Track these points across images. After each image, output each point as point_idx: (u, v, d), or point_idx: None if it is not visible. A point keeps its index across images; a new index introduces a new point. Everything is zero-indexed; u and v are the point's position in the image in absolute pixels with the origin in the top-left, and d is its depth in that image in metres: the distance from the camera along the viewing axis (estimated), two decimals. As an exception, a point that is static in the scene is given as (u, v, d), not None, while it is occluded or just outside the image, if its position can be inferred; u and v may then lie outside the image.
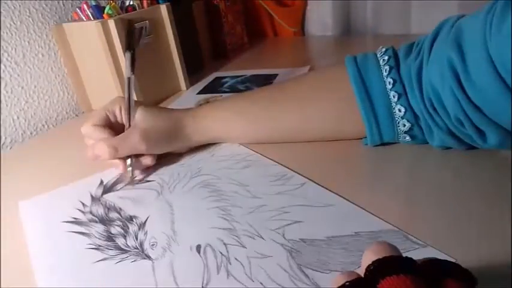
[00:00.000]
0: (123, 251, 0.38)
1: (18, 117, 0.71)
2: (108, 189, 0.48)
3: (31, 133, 0.74)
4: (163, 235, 0.39)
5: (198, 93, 0.79)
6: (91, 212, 0.44)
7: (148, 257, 0.36)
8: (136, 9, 0.74)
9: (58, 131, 0.74)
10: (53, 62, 0.77)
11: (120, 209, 0.44)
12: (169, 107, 0.69)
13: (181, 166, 0.51)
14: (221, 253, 0.35)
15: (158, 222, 0.41)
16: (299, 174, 0.45)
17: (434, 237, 0.33)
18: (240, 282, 0.32)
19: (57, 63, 0.77)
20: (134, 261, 0.36)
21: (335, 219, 0.37)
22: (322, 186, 0.42)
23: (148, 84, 0.74)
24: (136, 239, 0.39)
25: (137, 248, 0.38)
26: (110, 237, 0.40)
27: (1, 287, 0.36)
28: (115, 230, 0.41)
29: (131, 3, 0.74)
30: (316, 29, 1.15)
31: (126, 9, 0.73)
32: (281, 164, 0.48)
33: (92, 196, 0.47)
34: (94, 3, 0.71)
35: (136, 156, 0.49)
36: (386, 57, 0.46)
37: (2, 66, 0.68)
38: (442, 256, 0.31)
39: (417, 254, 0.31)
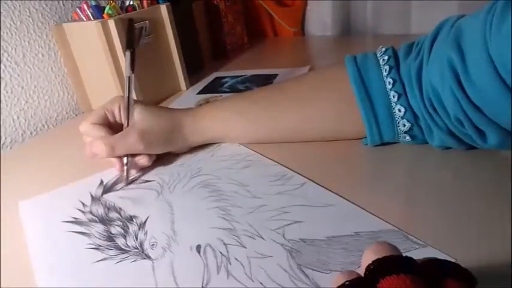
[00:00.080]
0: (123, 251, 0.38)
1: (18, 117, 0.71)
2: (108, 189, 0.48)
3: (31, 133, 0.74)
4: (163, 235, 0.39)
5: (198, 93, 0.79)
6: (91, 212, 0.44)
7: (148, 257, 0.36)
8: (136, 9, 0.74)
9: (58, 131, 0.74)
10: (53, 62, 0.77)
11: (120, 209, 0.44)
12: (169, 107, 0.69)
13: (181, 166, 0.51)
14: (221, 253, 0.35)
15: (158, 222, 0.41)
16: (299, 174, 0.45)
17: (434, 237, 0.33)
18: (240, 282, 0.32)
19: (57, 63, 0.77)
20: (134, 261, 0.36)
21: (335, 219, 0.37)
22: (322, 186, 0.42)
23: (148, 84, 0.74)
24: (136, 239, 0.39)
25: (137, 248, 0.38)
26: (110, 237, 0.40)
27: (1, 287, 0.36)
28: (115, 230, 0.41)
29: (131, 3, 0.74)
30: (316, 29, 1.15)
31: (126, 9, 0.73)
32: (281, 164, 0.48)
33: (92, 196, 0.47)
34: (94, 3, 0.71)
35: (133, 155, 0.49)
36: (386, 57, 0.46)
37: (2, 66, 0.68)
38: (442, 256, 0.31)
39: (417, 254, 0.31)
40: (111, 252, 0.38)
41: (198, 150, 0.54)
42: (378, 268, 0.21)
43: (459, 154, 0.44)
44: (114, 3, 0.71)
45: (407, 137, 0.46)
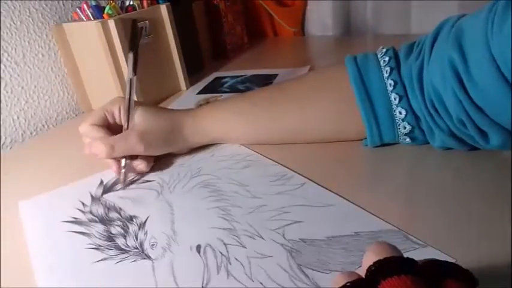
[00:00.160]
0: (123, 251, 0.38)
1: (18, 117, 0.71)
2: (108, 189, 0.48)
3: (31, 133, 0.74)
4: (163, 235, 0.39)
5: (198, 93, 0.79)
6: (91, 212, 0.44)
7: (148, 257, 0.36)
8: (136, 9, 0.74)
9: (58, 131, 0.74)
10: (53, 62, 0.77)
11: (120, 209, 0.44)
12: (169, 107, 0.69)
13: (181, 166, 0.51)
14: (221, 253, 0.35)
15: (158, 222, 0.41)
16: (299, 174, 0.45)
17: (434, 237, 0.33)
18: (240, 282, 0.32)
19: (57, 63, 0.77)
20: (134, 261, 0.36)
21: (335, 219, 0.37)
22: (322, 186, 0.42)
23: (148, 84, 0.74)
24: (136, 239, 0.39)
25: (137, 248, 0.38)
26: (110, 237, 0.40)
27: (1, 287, 0.36)
28: (115, 230, 0.41)
29: (131, 3, 0.74)
30: (316, 29, 1.15)
31: (126, 9, 0.73)
32: (281, 164, 0.48)
33: (92, 196, 0.47)
34: (94, 3, 0.71)
35: (132, 159, 0.49)
36: (387, 58, 0.46)
37: (2, 66, 0.68)
38: (442, 256, 0.31)
39: (417, 254, 0.31)
40: (111, 252, 0.38)
41: (198, 151, 0.54)
42: (379, 269, 0.21)
43: (460, 154, 0.44)
44: (114, 3, 0.71)
45: (408, 139, 0.46)
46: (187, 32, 0.88)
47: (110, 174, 0.50)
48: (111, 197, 0.46)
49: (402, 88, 0.45)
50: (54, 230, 0.42)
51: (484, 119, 0.38)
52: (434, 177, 0.42)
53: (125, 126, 0.49)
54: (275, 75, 0.81)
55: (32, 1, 0.72)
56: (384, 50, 0.48)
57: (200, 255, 0.36)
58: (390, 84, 0.45)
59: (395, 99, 0.45)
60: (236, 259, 0.35)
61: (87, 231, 0.41)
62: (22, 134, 0.72)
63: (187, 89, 0.83)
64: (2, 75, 0.68)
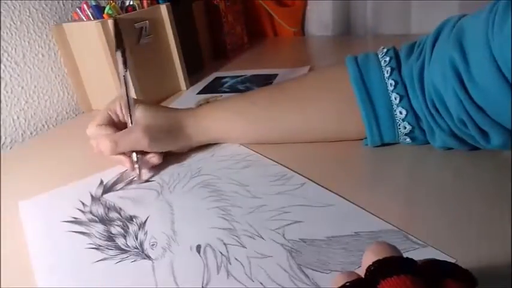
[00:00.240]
0: (123, 251, 0.38)
1: (18, 117, 0.71)
2: (108, 189, 0.48)
3: (31, 133, 0.74)
4: (163, 235, 0.39)
5: (198, 93, 0.79)
6: (91, 212, 0.44)
7: (148, 257, 0.36)
8: (136, 9, 0.74)
9: (58, 131, 0.74)
10: (53, 62, 0.77)
11: (120, 209, 0.44)
12: (169, 106, 0.69)
13: (181, 166, 0.51)
14: (221, 253, 0.35)
15: (158, 222, 0.41)
16: (299, 174, 0.45)
17: (434, 237, 0.33)
18: (240, 282, 0.32)
19: (57, 63, 0.77)
20: (134, 261, 0.36)
21: (335, 219, 0.37)
22: (322, 186, 0.42)
23: (149, 84, 0.74)
24: (136, 239, 0.39)
25: (137, 248, 0.38)
26: (110, 237, 0.40)
27: (1, 287, 0.36)
28: (115, 230, 0.41)
29: (131, 3, 0.74)
30: (316, 29, 1.15)
31: (126, 9, 0.73)
32: (281, 164, 0.48)
33: (92, 196, 0.47)
34: (94, 3, 0.71)
35: (143, 154, 0.49)
36: (387, 58, 0.46)
37: (2, 66, 0.68)
38: (442, 256, 0.31)
39: (417, 254, 0.31)
40: (111, 252, 0.38)
41: (198, 150, 0.54)
42: (379, 269, 0.21)
43: (460, 154, 0.44)
44: (114, 3, 0.71)
45: (408, 139, 0.46)
46: (187, 32, 0.88)
47: (110, 174, 0.50)
48: (111, 197, 0.46)
49: (403, 88, 0.44)
50: (54, 230, 0.42)
51: (485, 119, 0.38)
52: (434, 177, 0.42)
53: (129, 122, 0.49)
54: (275, 75, 0.81)
55: (32, 1, 0.72)
56: (385, 50, 0.48)
57: (200, 255, 0.36)
58: (391, 84, 0.45)
59: (396, 99, 0.45)
60: (236, 259, 0.35)
61: (87, 231, 0.41)
62: (22, 134, 0.72)
63: (187, 89, 0.83)
64: (2, 75, 0.68)
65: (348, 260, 0.33)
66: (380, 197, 0.40)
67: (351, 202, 0.39)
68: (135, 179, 0.49)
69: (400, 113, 0.45)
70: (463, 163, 0.43)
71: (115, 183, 0.49)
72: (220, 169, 0.49)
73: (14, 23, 0.70)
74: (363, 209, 0.38)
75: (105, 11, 0.70)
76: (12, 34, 0.70)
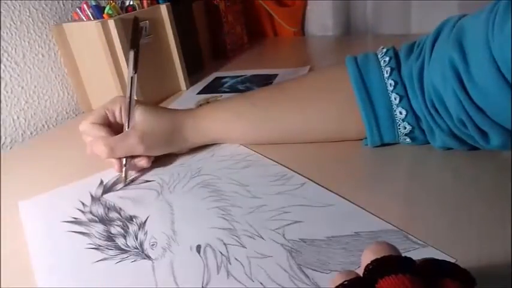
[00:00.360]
0: (123, 251, 0.38)
1: (18, 117, 0.71)
2: (108, 189, 0.48)
3: (31, 133, 0.74)
4: (163, 235, 0.39)
5: (198, 93, 0.79)
6: (91, 212, 0.44)
7: (148, 257, 0.36)
8: (136, 9, 0.74)
9: (58, 131, 0.74)
10: (53, 62, 0.77)
11: (120, 209, 0.44)
12: (169, 107, 0.69)
13: (181, 166, 0.51)
14: (221, 253, 0.35)
15: (158, 222, 0.41)
16: (299, 174, 0.45)
17: (434, 237, 0.33)
18: (240, 282, 0.32)
19: (57, 63, 0.77)
20: (134, 261, 0.36)
21: (335, 219, 0.37)
22: (322, 186, 0.42)
23: (148, 84, 0.74)
24: (136, 239, 0.39)
25: (137, 248, 0.38)
26: (109, 237, 0.40)
27: (1, 287, 0.36)
28: (115, 230, 0.41)
29: (131, 3, 0.74)
30: (316, 29, 1.15)
31: (126, 9, 0.74)
32: (281, 164, 0.48)
33: (92, 196, 0.47)
34: (94, 3, 0.71)
35: (133, 157, 0.49)
36: (387, 58, 0.46)
37: (2, 66, 0.68)
38: (442, 256, 0.31)
39: (417, 254, 0.31)
40: (111, 252, 0.38)
41: (198, 151, 0.54)
42: (377, 268, 0.21)
43: (460, 155, 0.44)
44: (114, 3, 0.71)
45: (408, 139, 0.46)
46: (187, 32, 0.88)
47: (109, 174, 0.50)
48: (111, 197, 0.46)
49: (403, 88, 0.44)
50: (54, 230, 0.42)
51: (484, 119, 0.38)
52: (434, 177, 0.42)
53: (126, 125, 0.49)
54: (275, 75, 0.81)
55: (32, 1, 0.72)
56: (384, 50, 0.48)
57: (200, 255, 0.36)
58: (390, 84, 0.45)
59: (395, 99, 0.45)
60: (236, 259, 0.35)
61: (87, 231, 0.41)
62: (22, 134, 0.72)
63: (187, 89, 0.83)
64: (2, 75, 0.68)
65: (347, 260, 0.33)
66: (380, 197, 0.40)
67: (351, 202, 0.39)
68: (118, 182, 0.49)
69: (400, 113, 0.45)
70: (463, 163, 0.43)
71: (115, 183, 0.49)
72: (220, 169, 0.49)
73: (14, 23, 0.70)
74: (363, 209, 0.38)
75: (105, 11, 0.70)
76: (12, 34, 0.70)
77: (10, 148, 0.70)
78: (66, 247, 0.40)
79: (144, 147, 0.48)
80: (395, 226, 0.35)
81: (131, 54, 0.51)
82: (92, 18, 0.71)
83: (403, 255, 0.22)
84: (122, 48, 0.68)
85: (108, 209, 0.44)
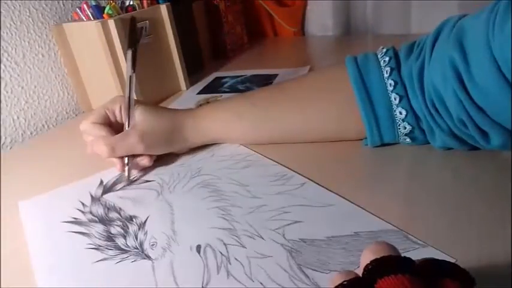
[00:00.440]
0: (123, 251, 0.38)
1: (18, 117, 0.71)
2: (108, 189, 0.48)
3: (31, 133, 0.74)
4: (163, 235, 0.39)
5: (198, 93, 0.79)
6: (91, 212, 0.44)
7: (148, 257, 0.36)
8: (136, 9, 0.74)
9: (58, 131, 0.74)
10: (53, 62, 0.77)
11: (120, 209, 0.44)
12: (169, 107, 0.69)
13: (181, 166, 0.51)
14: (221, 253, 0.35)
15: (158, 222, 0.41)
16: (299, 174, 0.45)
17: (434, 237, 0.33)
18: (240, 282, 0.32)
19: (57, 63, 0.77)
20: (134, 261, 0.36)
21: (335, 219, 0.37)
22: (322, 186, 0.42)
23: (148, 84, 0.74)
24: (136, 239, 0.39)
25: (137, 248, 0.38)
26: (109, 237, 0.40)
27: (1, 287, 0.36)
28: (115, 230, 0.41)
29: (131, 3, 0.74)
30: (316, 29, 1.15)
31: (126, 9, 0.74)
32: (281, 164, 0.48)
33: (91, 196, 0.47)
34: (94, 3, 0.71)
35: (134, 156, 0.49)
36: (387, 58, 0.46)
37: (2, 66, 0.68)
38: (442, 256, 0.31)
39: (417, 254, 0.31)
40: (111, 252, 0.38)
41: (198, 151, 0.54)
42: (376, 268, 0.21)
43: (460, 155, 0.44)
44: (114, 3, 0.71)
45: (408, 139, 0.46)
46: (187, 32, 0.88)
47: (109, 174, 0.50)
48: (111, 197, 0.46)
49: (402, 88, 0.44)
50: (54, 230, 0.42)
51: (485, 119, 0.38)
52: (434, 177, 0.42)
53: (126, 125, 0.49)
54: (275, 75, 0.81)
55: (32, 1, 0.72)
56: (384, 50, 0.48)
57: (200, 255, 0.36)
58: (390, 84, 0.45)
59: (395, 99, 0.45)
60: (236, 259, 0.35)
61: (87, 232, 0.41)
62: (22, 134, 0.72)
63: (187, 89, 0.83)
64: (2, 75, 0.68)
65: (347, 260, 0.33)
66: (380, 197, 0.40)
67: (351, 202, 0.39)
68: (122, 180, 0.49)
69: (400, 113, 0.45)
70: (463, 163, 0.43)
71: (115, 183, 0.49)
72: (220, 169, 0.49)
73: (14, 23, 0.70)
74: (363, 209, 0.38)
75: (105, 11, 0.70)
76: (12, 34, 0.70)
77: (10, 148, 0.70)
78: (66, 247, 0.40)
79: (144, 146, 0.48)
80: (395, 226, 0.35)
81: (129, 53, 0.51)
82: (92, 18, 0.71)
83: (402, 255, 0.22)
84: (121, 48, 0.68)
85: (108, 209, 0.44)
